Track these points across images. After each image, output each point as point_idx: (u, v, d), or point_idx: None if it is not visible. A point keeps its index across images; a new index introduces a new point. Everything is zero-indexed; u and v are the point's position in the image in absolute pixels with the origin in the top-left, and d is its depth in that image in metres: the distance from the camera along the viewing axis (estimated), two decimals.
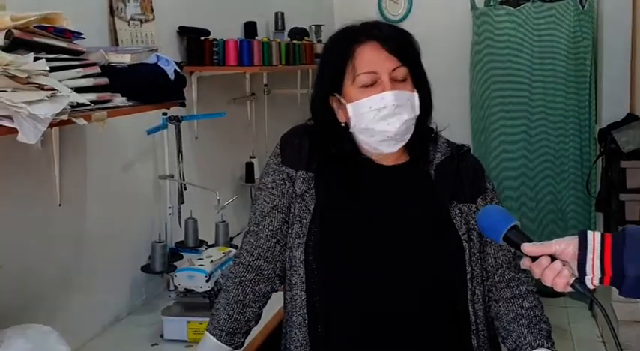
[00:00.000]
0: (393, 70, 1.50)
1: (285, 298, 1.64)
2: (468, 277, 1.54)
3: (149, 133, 2.66)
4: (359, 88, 1.51)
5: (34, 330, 1.81)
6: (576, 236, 1.27)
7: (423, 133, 1.59)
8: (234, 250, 2.63)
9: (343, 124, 1.56)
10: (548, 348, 1.50)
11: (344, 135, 1.56)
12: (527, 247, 1.29)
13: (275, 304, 1.69)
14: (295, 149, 1.59)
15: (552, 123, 4.71)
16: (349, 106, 1.52)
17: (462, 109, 4.89)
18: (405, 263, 1.53)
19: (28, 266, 2.10)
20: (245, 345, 1.67)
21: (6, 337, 1.77)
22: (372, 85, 1.50)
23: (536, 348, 1.49)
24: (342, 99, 1.54)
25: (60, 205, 2.14)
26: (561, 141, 4.71)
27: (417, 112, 1.54)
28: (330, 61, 1.56)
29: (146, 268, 2.61)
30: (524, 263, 1.31)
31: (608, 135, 4.13)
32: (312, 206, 1.54)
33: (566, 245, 1.27)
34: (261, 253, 1.60)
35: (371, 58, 1.50)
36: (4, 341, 1.76)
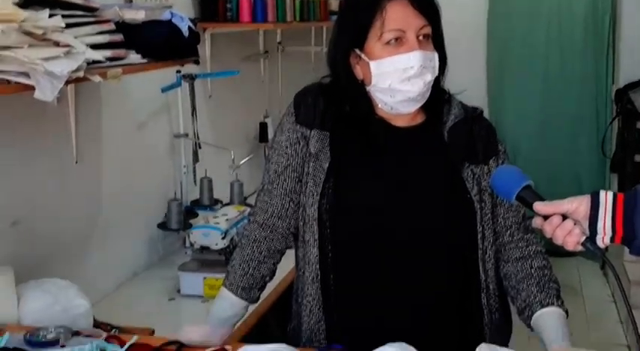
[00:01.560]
0: (420, 28, 1.49)
1: (297, 255, 1.66)
2: (479, 237, 1.55)
3: (163, 90, 2.67)
4: (384, 45, 1.50)
5: (53, 284, 1.86)
6: (588, 195, 1.28)
7: (437, 95, 1.58)
8: (249, 209, 2.66)
9: (360, 82, 1.56)
10: (558, 306, 1.51)
11: (360, 92, 1.56)
12: (539, 206, 1.29)
13: (290, 260, 1.71)
14: (309, 108, 1.59)
15: (569, 84, 4.68)
16: (372, 64, 1.51)
17: (478, 72, 4.85)
18: (416, 223, 1.54)
19: (46, 222, 2.14)
20: (260, 300, 1.70)
21: (26, 291, 1.81)
22: (398, 44, 1.49)
23: (546, 306, 1.51)
24: (363, 55, 1.53)
25: (76, 162, 2.16)
26: (577, 102, 4.67)
27: (437, 73, 1.53)
28: (356, 15, 1.53)
29: (162, 226, 2.65)
30: (536, 222, 1.32)
31: (624, 95, 4.09)
32: (327, 165, 1.55)
33: (579, 204, 1.27)
34: (275, 212, 1.62)
35: (401, 16, 1.49)
36: (24, 294, 1.80)
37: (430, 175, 1.57)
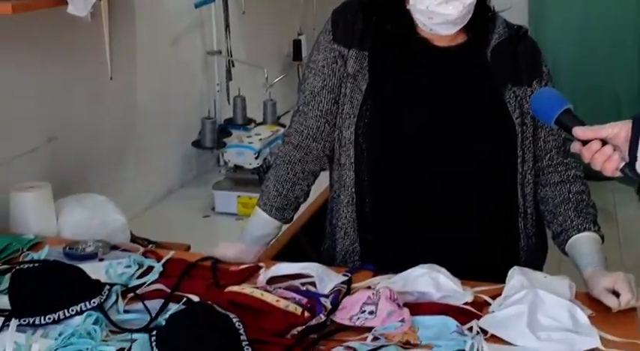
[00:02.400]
0: None
1: (332, 177, 1.66)
2: (519, 161, 1.53)
3: (197, 6, 2.62)
4: None
5: (91, 199, 1.89)
6: (630, 121, 1.24)
7: (481, 13, 1.52)
8: (282, 129, 2.65)
9: None
10: (594, 231, 1.50)
11: (401, 10, 1.51)
12: (578, 131, 1.26)
13: (323, 180, 1.71)
14: (348, 25, 1.55)
15: (613, 2, 4.53)
16: None
17: None
18: (456, 145, 1.52)
19: (82, 139, 2.16)
20: (293, 220, 1.71)
21: (64, 205, 1.85)
22: None
23: (582, 231, 1.50)
24: None
25: (111, 78, 2.16)
26: (621, 25, 4.53)
27: None
28: None
29: (196, 144, 2.66)
30: (575, 147, 1.29)
31: None
32: (364, 86, 1.53)
33: (620, 129, 1.24)
34: (310, 134, 1.61)
35: None
36: (62, 209, 1.84)
37: (471, 97, 1.53)
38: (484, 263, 1.52)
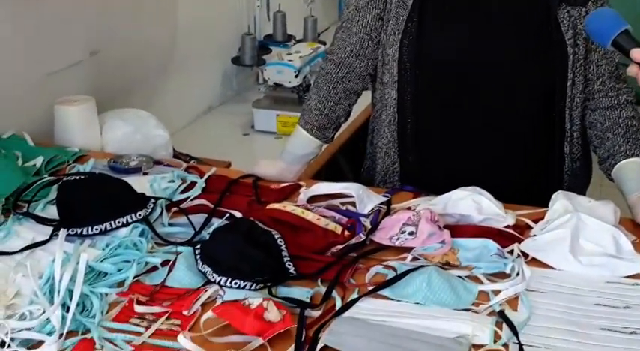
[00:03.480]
0: None
1: (374, 96, 1.64)
2: (569, 83, 1.49)
3: None
4: None
5: (133, 114, 1.90)
6: None
7: None
8: (322, 47, 2.62)
9: None
10: None
11: None
12: (636, 53, 1.22)
13: (363, 100, 1.70)
14: None
15: None
16: None
17: None
18: (504, 65, 1.48)
19: (124, 53, 2.16)
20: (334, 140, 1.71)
21: (108, 120, 1.87)
22: None
23: (630, 157, 1.46)
24: None
25: None
26: None
27: None
28: None
29: (236, 61, 2.64)
30: (631, 70, 1.25)
31: None
32: (411, 2, 1.48)
33: None
34: (354, 51, 1.58)
35: None
36: (106, 123, 1.86)
37: (522, 15, 1.48)
38: (527, 187, 1.51)
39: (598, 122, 1.53)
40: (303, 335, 1.06)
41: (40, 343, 1.05)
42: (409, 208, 1.42)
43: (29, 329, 1.06)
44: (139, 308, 1.13)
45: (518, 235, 1.32)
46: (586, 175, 1.62)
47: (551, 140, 1.53)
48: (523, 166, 1.54)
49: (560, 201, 1.34)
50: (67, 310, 1.08)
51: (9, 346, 1.03)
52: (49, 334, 1.05)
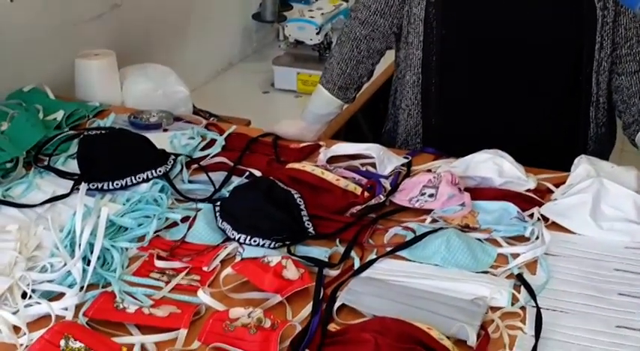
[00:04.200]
0: None
1: (398, 56, 1.62)
2: (597, 47, 1.45)
3: None
4: None
5: (154, 69, 1.89)
6: None
7: None
8: (345, 4, 2.58)
9: None
10: None
11: None
12: None
13: (385, 60, 1.67)
14: None
15: None
16: None
17: None
18: (532, 28, 1.45)
19: (145, 7, 2.14)
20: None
21: (128, 75, 1.86)
22: None
23: None
24: None
25: None
26: None
27: None
28: None
29: (257, 17, 2.61)
30: None
31: None
32: None
33: None
34: (378, 8, 1.55)
35: None
36: (127, 78, 1.85)
37: None
38: (550, 151, 1.49)
39: (624, 87, 1.50)
40: (321, 294, 1.07)
41: (61, 295, 1.06)
42: (430, 170, 1.41)
43: (50, 282, 1.08)
44: (159, 263, 1.14)
45: (539, 199, 1.31)
46: (610, 140, 1.60)
47: (576, 105, 1.51)
48: (547, 131, 1.53)
49: (583, 165, 1.32)
50: (88, 264, 1.09)
51: (30, 297, 1.04)
52: (70, 286, 1.07)
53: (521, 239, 1.21)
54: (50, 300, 1.04)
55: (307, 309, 1.04)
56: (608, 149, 1.60)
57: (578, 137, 1.53)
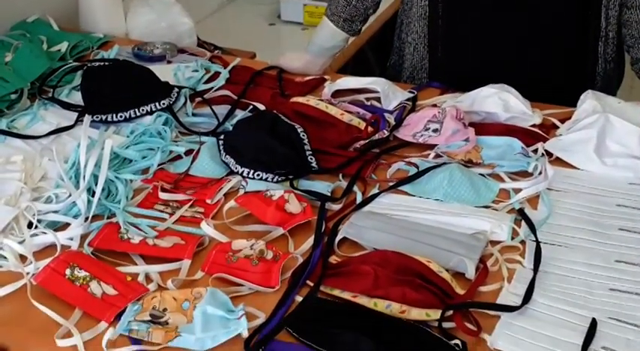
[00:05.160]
0: None
1: None
2: None
3: None
4: None
5: (158, 0, 1.86)
6: None
7: None
8: None
9: None
10: None
11: None
12: None
13: None
14: None
15: None
16: None
17: None
18: None
19: None
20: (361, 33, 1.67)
21: (132, 6, 1.83)
22: None
23: None
24: None
25: None
26: None
27: None
28: None
29: None
30: None
31: None
32: None
33: None
34: None
35: None
36: (131, 9, 1.83)
37: None
38: (557, 86, 1.47)
39: (634, 21, 1.47)
40: (323, 227, 1.08)
41: (66, 225, 1.08)
42: (435, 105, 1.40)
43: (55, 212, 1.09)
44: (163, 195, 1.15)
45: (544, 135, 1.30)
46: (618, 77, 1.57)
47: (585, 39, 1.48)
48: (555, 65, 1.50)
49: (589, 101, 1.31)
50: (92, 195, 1.10)
51: (36, 227, 1.06)
52: (75, 217, 1.08)
53: (524, 175, 1.21)
54: (55, 230, 1.06)
55: (309, 242, 1.05)
56: (617, 85, 1.58)
57: (586, 73, 1.51)
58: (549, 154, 1.25)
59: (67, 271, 0.95)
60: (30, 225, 1.06)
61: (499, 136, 1.27)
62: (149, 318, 0.90)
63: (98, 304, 0.93)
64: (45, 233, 1.05)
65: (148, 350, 0.88)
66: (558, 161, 1.24)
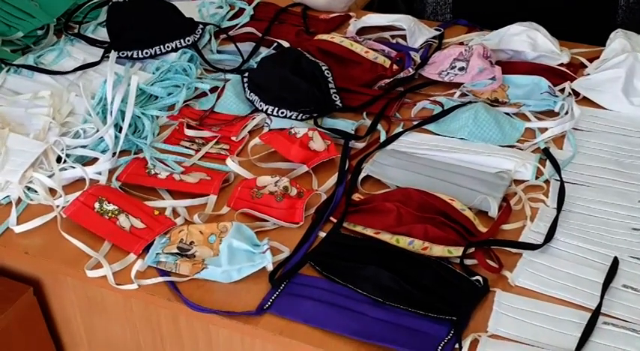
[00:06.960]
0: None
1: None
2: None
3: None
4: None
5: None
6: None
7: None
8: None
9: None
10: None
11: None
12: None
13: None
14: None
15: None
16: None
17: None
18: None
19: None
20: None
21: None
22: None
23: None
24: None
25: None
26: None
27: None
28: None
29: None
30: None
31: None
32: None
33: None
34: None
35: None
36: None
37: None
38: (578, 21, 1.43)
39: None
40: (347, 165, 1.08)
41: (94, 160, 1.09)
42: (461, 43, 1.38)
43: (84, 147, 1.11)
44: (189, 132, 1.16)
45: (572, 74, 1.28)
46: None
47: None
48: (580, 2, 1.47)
49: (619, 39, 1.28)
50: (119, 131, 1.11)
51: (65, 161, 1.07)
52: (103, 152, 1.10)
53: (550, 114, 1.20)
54: (84, 165, 1.08)
55: (333, 179, 1.06)
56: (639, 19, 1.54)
57: (608, 6, 1.46)
58: (576, 93, 1.24)
59: (96, 205, 0.97)
60: (59, 159, 1.08)
61: (526, 75, 1.26)
62: (177, 250, 0.92)
63: (127, 236, 0.95)
64: (74, 167, 1.06)
65: (175, 281, 0.90)
66: (585, 100, 1.23)
